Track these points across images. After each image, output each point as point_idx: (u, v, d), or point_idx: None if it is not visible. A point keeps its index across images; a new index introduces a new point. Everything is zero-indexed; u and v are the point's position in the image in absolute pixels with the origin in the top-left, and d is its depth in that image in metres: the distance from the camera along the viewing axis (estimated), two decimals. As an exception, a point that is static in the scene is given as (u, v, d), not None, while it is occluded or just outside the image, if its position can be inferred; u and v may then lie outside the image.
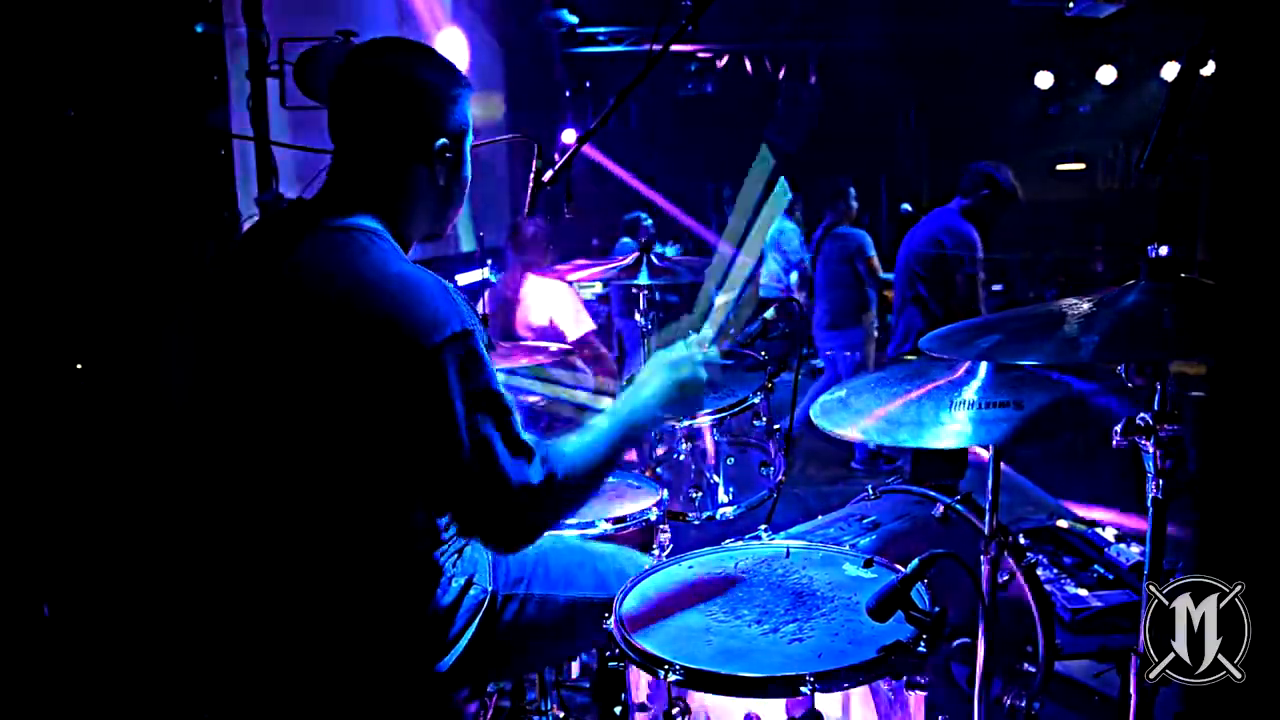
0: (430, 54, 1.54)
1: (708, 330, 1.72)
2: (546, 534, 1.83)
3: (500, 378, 1.42)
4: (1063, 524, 3.44)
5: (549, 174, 2.57)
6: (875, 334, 5.81)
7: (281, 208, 1.58)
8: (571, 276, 2.77)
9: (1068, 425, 1.76)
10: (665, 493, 2.40)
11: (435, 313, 1.34)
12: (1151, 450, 1.38)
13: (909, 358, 4.13)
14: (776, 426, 2.59)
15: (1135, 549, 3.15)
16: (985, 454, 1.77)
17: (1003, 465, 1.77)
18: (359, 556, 1.44)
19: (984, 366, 1.85)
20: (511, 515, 1.38)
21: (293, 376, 1.38)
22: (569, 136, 6.94)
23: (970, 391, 1.79)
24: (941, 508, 2.14)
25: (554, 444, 1.45)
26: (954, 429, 1.71)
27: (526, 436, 1.41)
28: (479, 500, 1.35)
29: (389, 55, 1.52)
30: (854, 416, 1.82)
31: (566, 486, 1.42)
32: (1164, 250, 1.40)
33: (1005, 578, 2.08)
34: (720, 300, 1.75)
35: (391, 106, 1.49)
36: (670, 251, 8.29)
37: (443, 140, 1.50)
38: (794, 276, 8.25)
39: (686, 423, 2.47)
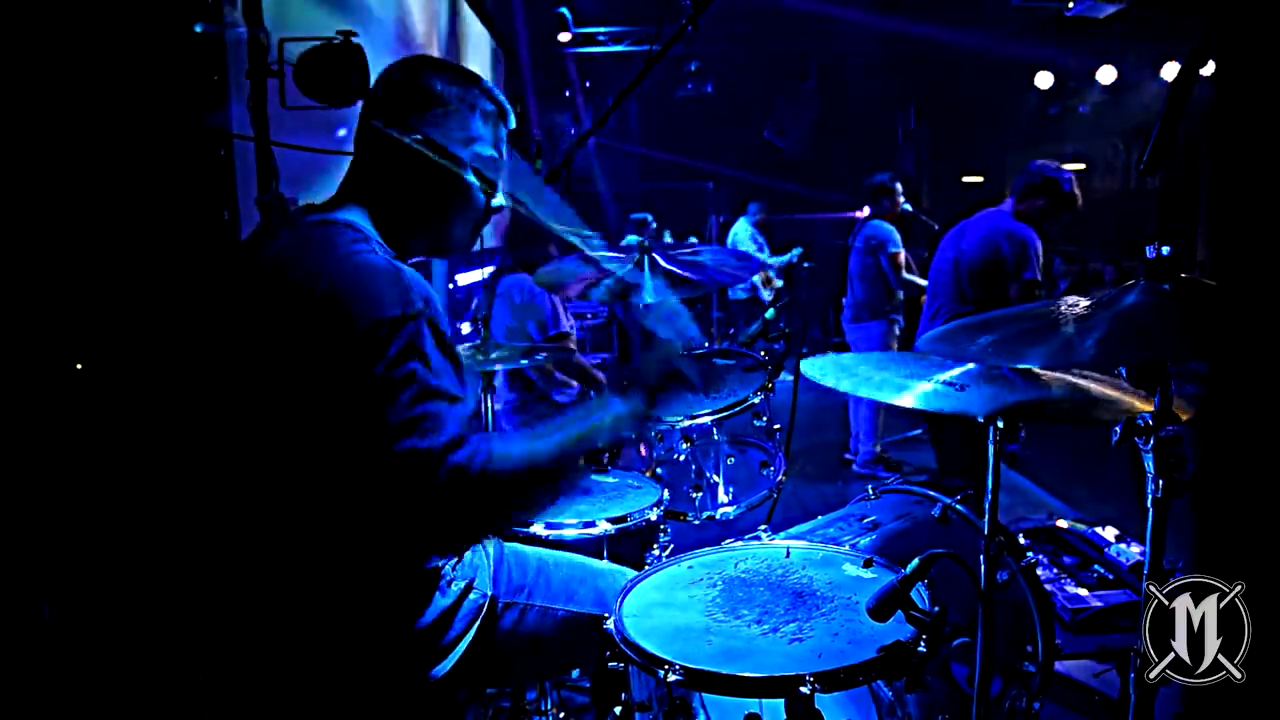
0: (445, 66, 1.56)
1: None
2: (544, 548, 1.84)
3: (443, 362, 1.36)
4: (1063, 524, 3.44)
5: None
6: (898, 331, 5.57)
7: (280, 208, 1.60)
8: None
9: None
10: (666, 493, 2.40)
11: (378, 294, 1.32)
12: (1150, 451, 1.37)
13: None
14: (777, 426, 2.59)
15: (1135, 549, 3.15)
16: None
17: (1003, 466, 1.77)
18: (357, 558, 1.44)
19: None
20: (440, 504, 1.32)
21: (271, 371, 1.38)
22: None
23: (947, 374, 1.89)
24: (941, 507, 2.14)
25: (497, 437, 1.41)
26: (908, 395, 1.82)
27: (461, 425, 1.35)
28: (407, 487, 1.30)
29: (403, 63, 1.56)
30: (838, 371, 2.00)
31: (498, 481, 1.34)
32: (1165, 250, 1.40)
33: (1005, 578, 2.08)
34: None
35: (386, 106, 1.52)
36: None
37: (428, 144, 1.50)
38: (758, 278, 8.31)
39: (686, 422, 2.48)
